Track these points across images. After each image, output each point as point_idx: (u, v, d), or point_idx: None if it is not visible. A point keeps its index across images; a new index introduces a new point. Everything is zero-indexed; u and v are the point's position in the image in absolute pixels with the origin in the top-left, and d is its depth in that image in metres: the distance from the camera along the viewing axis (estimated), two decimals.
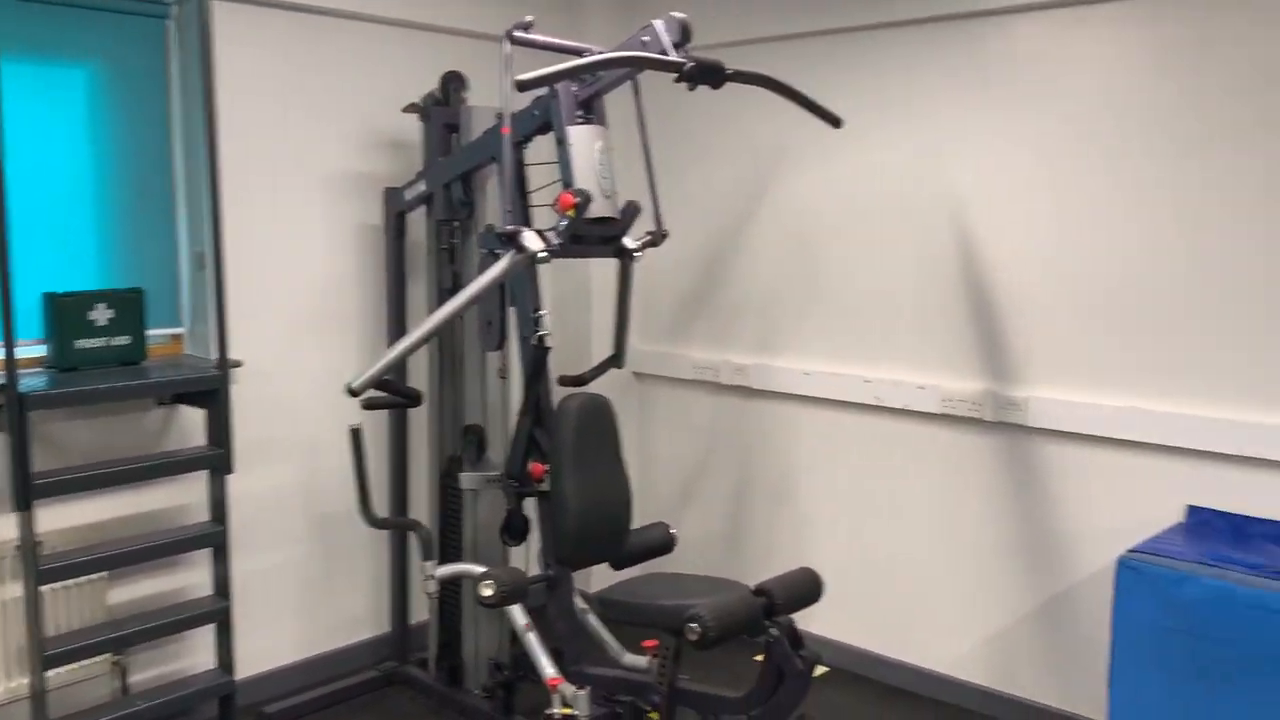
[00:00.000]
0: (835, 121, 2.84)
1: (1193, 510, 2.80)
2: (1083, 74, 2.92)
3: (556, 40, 2.72)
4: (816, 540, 3.62)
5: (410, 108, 3.25)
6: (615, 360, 3.14)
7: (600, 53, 2.51)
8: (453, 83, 3.19)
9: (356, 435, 2.89)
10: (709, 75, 2.47)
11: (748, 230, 3.70)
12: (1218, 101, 2.70)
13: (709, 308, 3.85)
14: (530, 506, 2.85)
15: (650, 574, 2.73)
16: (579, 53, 2.68)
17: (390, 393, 3.04)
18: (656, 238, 2.93)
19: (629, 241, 2.83)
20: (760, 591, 2.38)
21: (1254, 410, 2.70)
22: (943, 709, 3.30)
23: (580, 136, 2.62)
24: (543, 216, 2.77)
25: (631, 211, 2.75)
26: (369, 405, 3.12)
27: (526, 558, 2.96)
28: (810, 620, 3.54)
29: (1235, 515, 2.73)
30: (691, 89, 2.50)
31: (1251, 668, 2.33)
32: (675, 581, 2.66)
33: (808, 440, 3.61)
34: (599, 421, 2.71)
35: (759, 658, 2.38)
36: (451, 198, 3.11)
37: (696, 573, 2.88)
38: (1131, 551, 2.53)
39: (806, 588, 2.48)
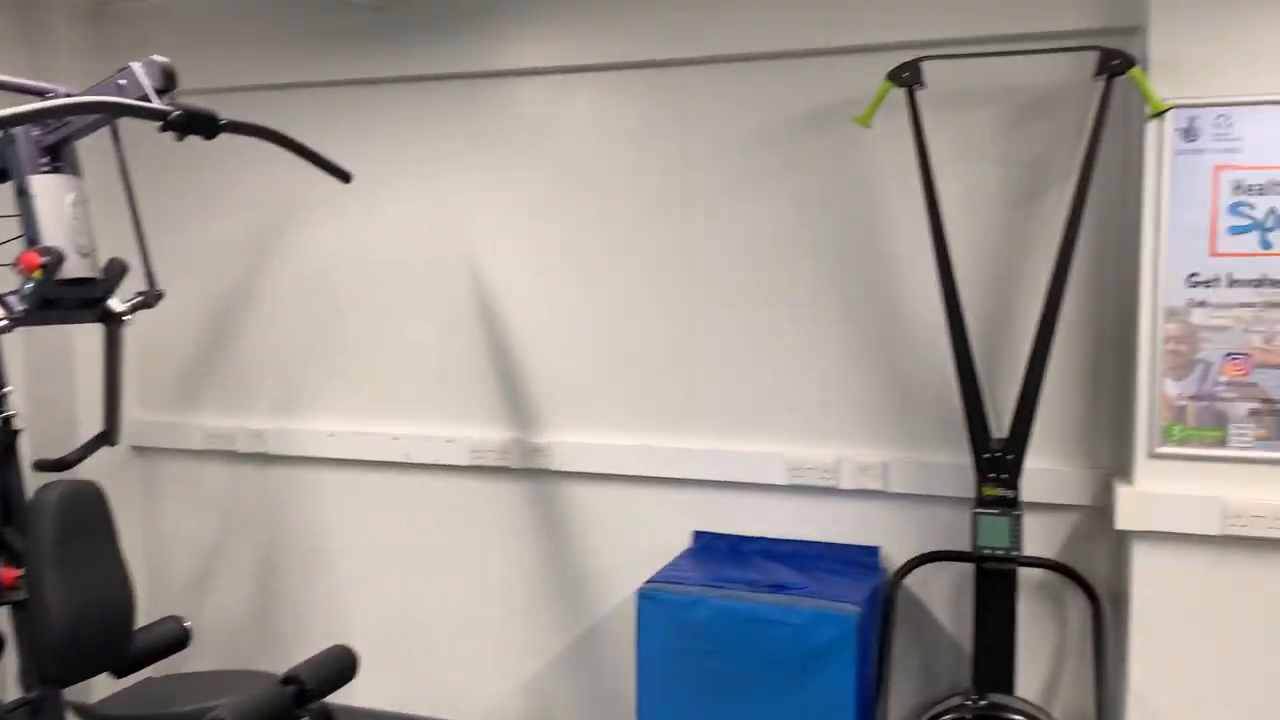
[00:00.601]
0: (344, 177, 2.75)
1: (698, 535, 3.07)
2: (580, 137, 3.11)
3: (12, 79, 2.37)
4: (353, 611, 3.46)
5: None
6: (107, 437, 2.78)
7: (67, 95, 2.22)
8: None
9: None
10: (199, 125, 2.27)
11: (262, 287, 3.48)
12: (695, 167, 3.01)
13: (221, 371, 3.56)
14: (3, 619, 2.42)
15: (161, 677, 2.43)
16: (41, 93, 2.35)
17: None
18: (150, 298, 2.64)
19: (116, 304, 2.53)
20: (289, 679, 2.21)
21: (742, 442, 3.02)
22: None
23: (47, 187, 2.29)
24: (3, 279, 2.38)
25: (117, 270, 2.46)
26: None
27: (3, 680, 2.50)
28: (352, 695, 3.37)
29: (733, 536, 3.03)
30: (180, 139, 2.29)
31: (756, 674, 2.57)
32: (190, 682, 2.39)
33: (337, 505, 3.46)
34: (87, 509, 2.37)
35: None
36: None
37: (219, 667, 2.62)
38: (649, 582, 2.70)
39: (340, 666, 2.35)
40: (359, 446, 3.38)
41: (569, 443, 3.17)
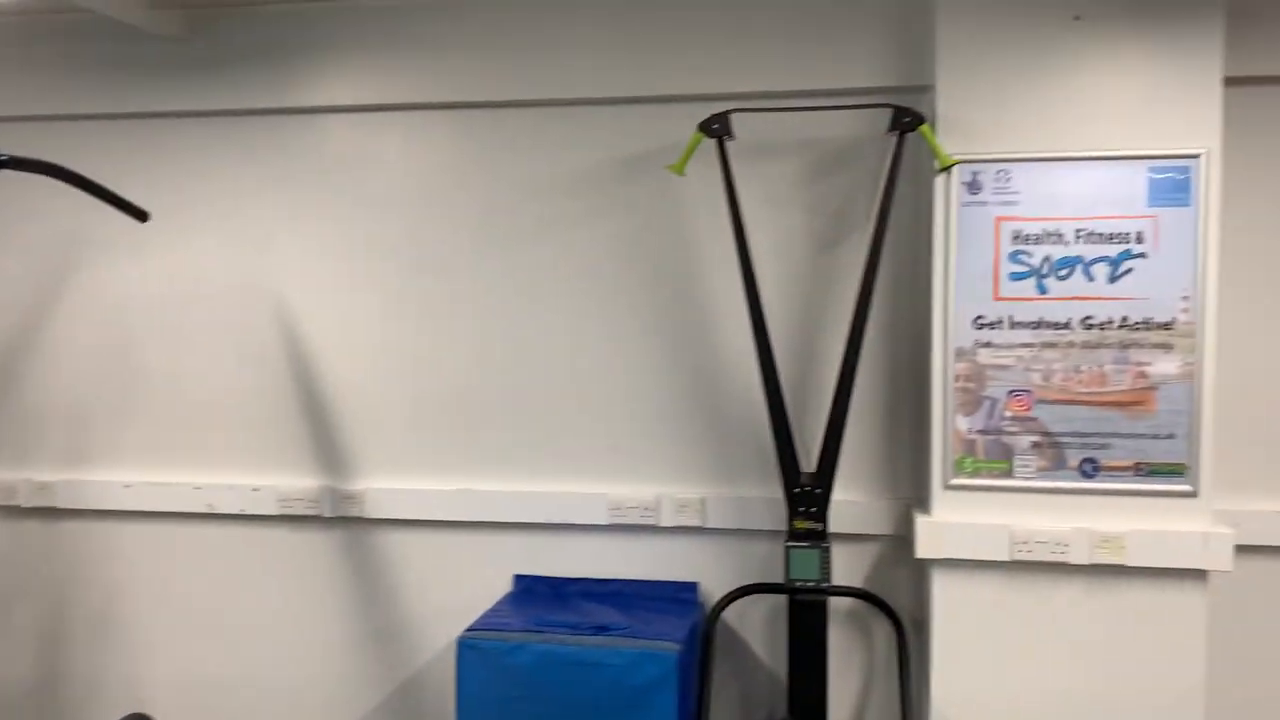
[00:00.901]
0: (141, 215, 2.62)
1: (519, 579, 3.05)
2: (392, 176, 3.06)
3: None
4: (153, 675, 3.25)
5: None
6: None
7: None
8: None
9: None
10: None
11: (47, 330, 3.25)
12: (513, 209, 3.01)
13: (1, 419, 3.30)
14: None
15: None
16: None
17: None
18: None
19: None
20: None
21: (564, 483, 3.03)
22: None
23: None
24: None
25: None
26: None
27: None
28: None
29: (555, 578, 3.02)
30: None
31: (578, 716, 2.57)
32: None
33: (134, 561, 3.25)
34: None
35: None
36: None
37: None
38: (469, 630, 2.65)
39: None
40: (158, 498, 3.19)
41: (384, 489, 3.09)
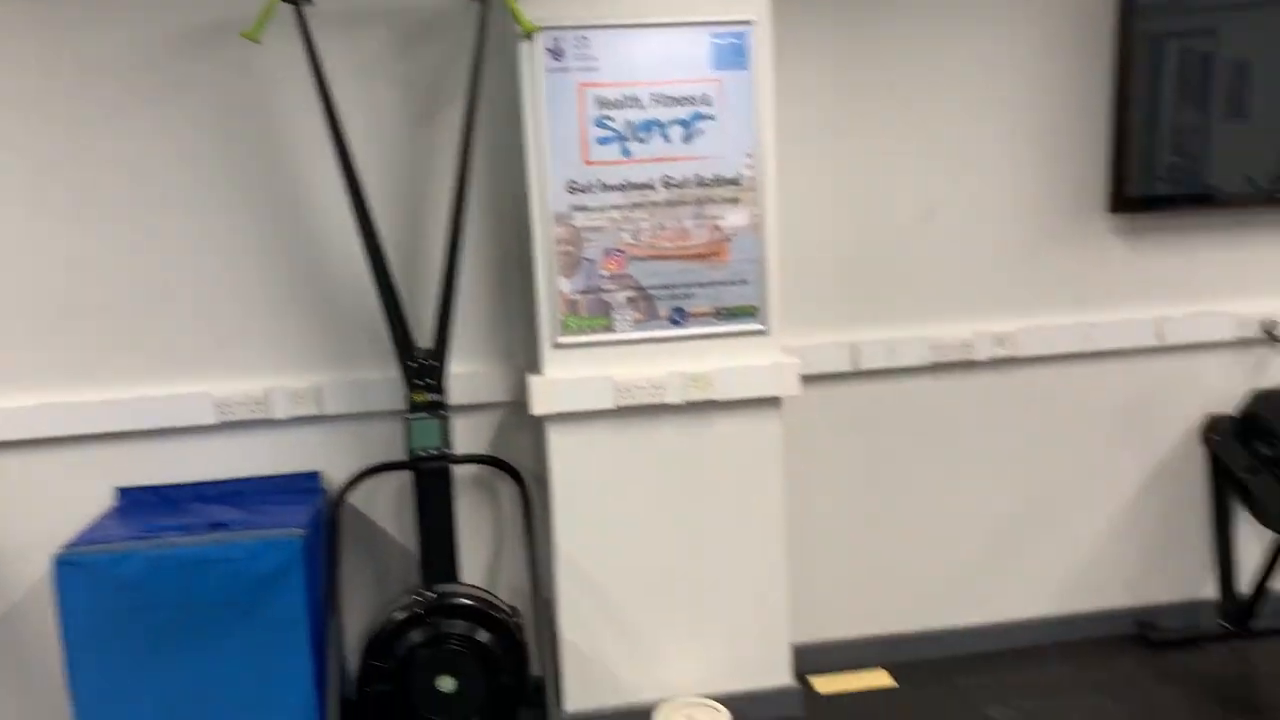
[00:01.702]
0: None
1: (123, 492, 2.84)
2: None
3: None
4: None
5: None
6: None
7: None
8: None
9: None
10: None
11: None
12: (73, 91, 2.70)
13: None
14: None
15: None
16: None
17: None
18: None
19: None
20: None
21: (164, 385, 2.84)
22: None
23: None
24: None
25: None
26: None
27: None
28: None
29: (164, 486, 2.85)
30: None
31: (203, 618, 2.47)
32: None
33: None
34: None
35: None
36: None
37: None
38: (66, 547, 2.45)
39: None
40: None
41: None
